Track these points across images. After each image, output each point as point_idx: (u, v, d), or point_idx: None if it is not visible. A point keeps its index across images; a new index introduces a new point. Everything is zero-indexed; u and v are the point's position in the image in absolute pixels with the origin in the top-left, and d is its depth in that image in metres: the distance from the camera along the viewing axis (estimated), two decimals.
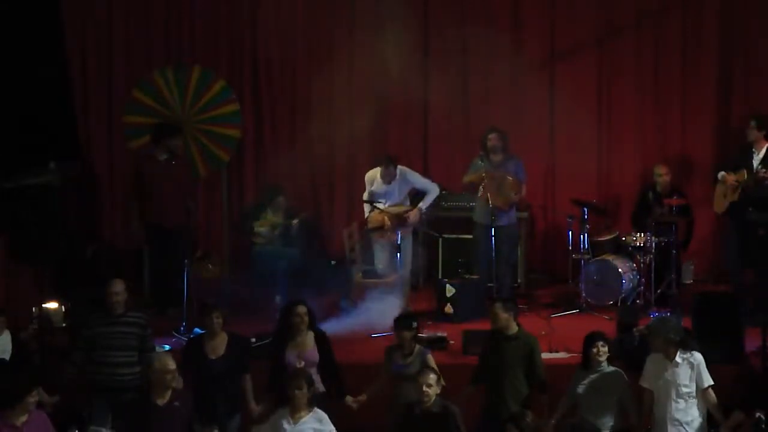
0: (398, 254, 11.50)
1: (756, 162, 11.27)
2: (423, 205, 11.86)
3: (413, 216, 11.74)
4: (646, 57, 13.07)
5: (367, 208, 11.89)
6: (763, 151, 11.31)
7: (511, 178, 11.66)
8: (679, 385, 8.52)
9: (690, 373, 8.54)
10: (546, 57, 13.14)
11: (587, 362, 8.80)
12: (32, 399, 7.99)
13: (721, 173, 11.46)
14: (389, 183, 11.76)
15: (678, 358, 8.56)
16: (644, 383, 8.70)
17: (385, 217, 11.60)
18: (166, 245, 11.81)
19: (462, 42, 13.16)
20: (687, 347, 8.61)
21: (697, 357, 8.59)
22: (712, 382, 8.56)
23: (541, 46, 13.15)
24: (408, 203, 11.93)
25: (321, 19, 13.28)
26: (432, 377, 8.44)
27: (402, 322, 9.06)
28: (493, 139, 11.81)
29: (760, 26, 12.82)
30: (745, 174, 11.18)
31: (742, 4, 12.89)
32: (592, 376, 8.75)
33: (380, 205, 11.70)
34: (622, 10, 13.04)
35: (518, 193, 11.74)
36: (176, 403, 8.19)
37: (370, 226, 11.74)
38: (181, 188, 11.94)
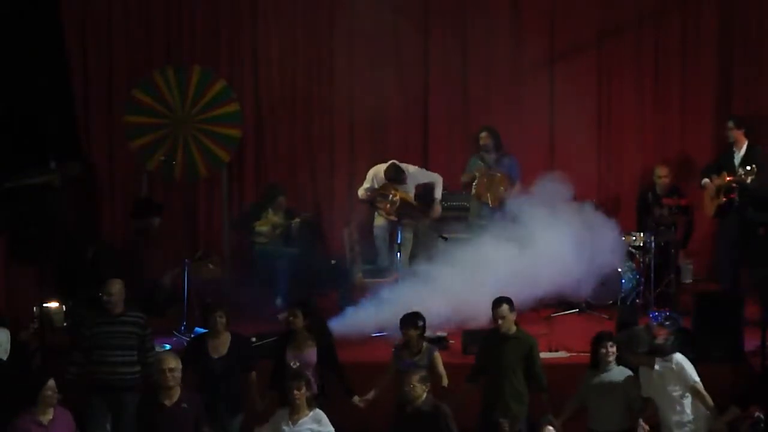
0: (398, 253, 11.51)
1: (737, 161, 11.50)
2: (438, 196, 12.09)
3: (438, 211, 12.04)
4: (646, 57, 13.07)
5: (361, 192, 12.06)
6: (744, 149, 11.53)
7: (500, 174, 11.73)
8: (668, 390, 8.54)
9: (673, 376, 8.53)
10: (546, 57, 13.14)
11: (596, 362, 8.80)
12: (50, 392, 8.02)
13: (705, 180, 11.68)
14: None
15: (657, 366, 8.56)
16: (644, 394, 8.70)
17: (398, 192, 11.82)
18: None
19: (462, 42, 13.17)
20: (662, 353, 8.60)
21: (676, 359, 8.58)
22: (697, 379, 8.55)
23: (541, 46, 13.15)
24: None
25: (321, 19, 13.27)
26: (415, 377, 8.44)
27: (408, 320, 9.07)
28: (484, 137, 11.98)
29: (760, 26, 12.84)
30: (725, 177, 11.34)
31: (742, 4, 12.90)
32: (601, 376, 8.75)
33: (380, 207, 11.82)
34: (622, 10, 13.05)
35: (508, 189, 11.76)
36: (184, 404, 8.18)
37: (381, 190, 11.91)
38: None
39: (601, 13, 13.07)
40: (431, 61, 13.17)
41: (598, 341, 8.78)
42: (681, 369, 8.52)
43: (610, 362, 8.72)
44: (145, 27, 13.38)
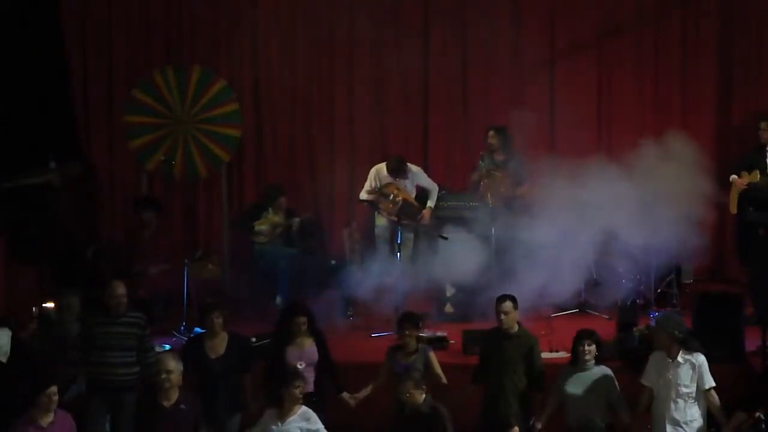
0: (398, 253, 11.51)
1: None
2: (431, 204, 12.04)
3: (427, 217, 11.95)
4: (646, 57, 13.08)
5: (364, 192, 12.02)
6: None
7: (500, 174, 11.74)
8: (679, 385, 8.52)
9: (691, 374, 8.53)
10: (546, 57, 13.15)
11: (574, 360, 8.83)
12: (50, 398, 8.01)
13: (733, 176, 11.63)
14: (396, 179, 11.90)
15: (680, 358, 8.55)
16: (645, 381, 8.69)
17: (400, 193, 11.77)
18: None
19: (462, 42, 13.17)
20: (690, 347, 8.59)
21: (700, 358, 8.57)
22: (714, 384, 8.55)
23: (541, 46, 13.15)
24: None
25: (321, 18, 13.28)
26: (410, 384, 8.44)
27: (405, 321, 9.06)
28: (491, 137, 12.04)
29: (760, 26, 12.84)
30: (757, 175, 11.33)
31: (742, 4, 12.90)
32: (578, 375, 8.77)
33: (382, 207, 11.80)
34: (622, 10, 13.06)
35: (508, 189, 11.77)
36: (182, 406, 8.19)
37: (383, 190, 11.82)
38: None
39: (601, 13, 13.09)
40: (431, 61, 13.18)
41: (578, 339, 8.80)
42: (704, 370, 8.53)
43: (587, 360, 8.74)
44: (145, 27, 13.39)
